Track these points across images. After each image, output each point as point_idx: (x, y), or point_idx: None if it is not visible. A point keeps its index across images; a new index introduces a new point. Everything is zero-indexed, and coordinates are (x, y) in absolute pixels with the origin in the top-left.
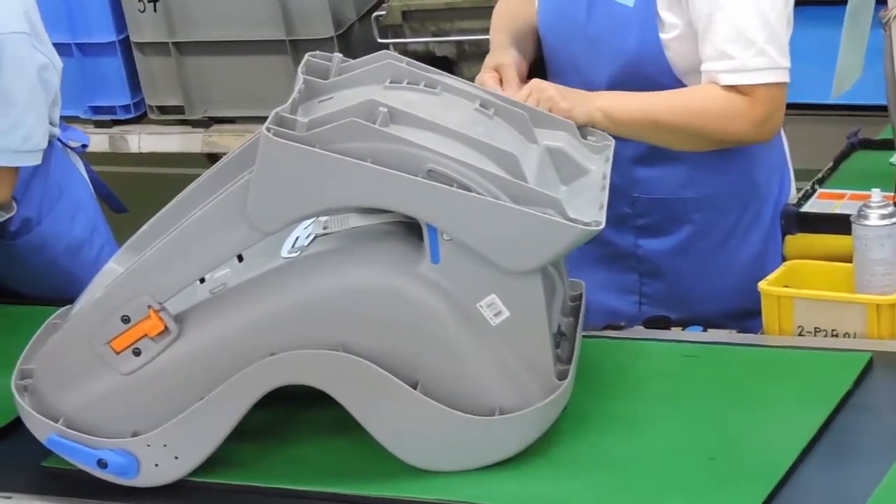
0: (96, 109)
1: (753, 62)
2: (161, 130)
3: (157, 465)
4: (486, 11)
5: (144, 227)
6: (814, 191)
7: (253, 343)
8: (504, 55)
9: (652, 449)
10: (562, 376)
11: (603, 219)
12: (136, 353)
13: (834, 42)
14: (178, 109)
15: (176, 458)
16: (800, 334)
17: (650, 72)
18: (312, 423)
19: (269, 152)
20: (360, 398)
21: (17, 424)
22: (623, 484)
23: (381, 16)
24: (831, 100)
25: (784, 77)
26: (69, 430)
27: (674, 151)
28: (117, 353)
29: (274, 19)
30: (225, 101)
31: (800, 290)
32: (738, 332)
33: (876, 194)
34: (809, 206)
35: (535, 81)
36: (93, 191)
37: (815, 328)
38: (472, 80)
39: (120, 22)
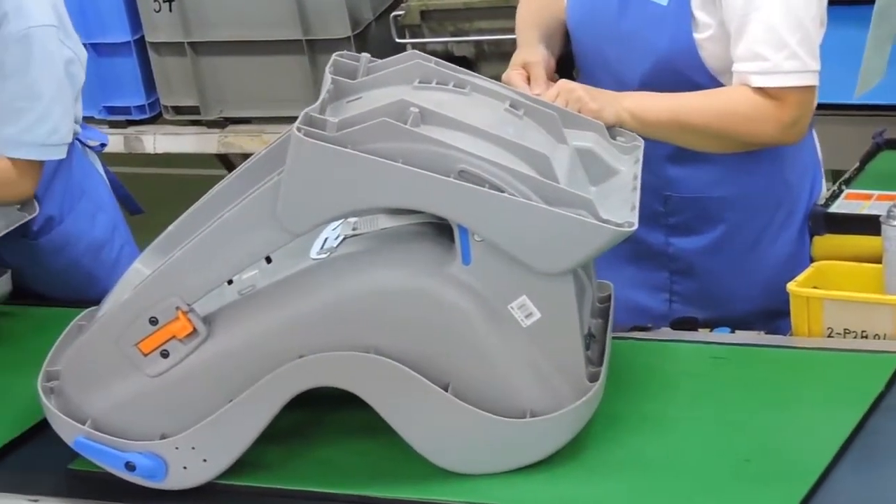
0: (111, 110)
1: (786, 65)
2: (176, 131)
3: (185, 467)
4: (505, 11)
5: (170, 228)
6: (841, 191)
7: (282, 345)
8: (532, 52)
9: (684, 451)
10: (593, 378)
11: (635, 220)
12: (165, 354)
13: (861, 42)
14: (194, 110)
15: (204, 460)
16: (829, 336)
17: (685, 70)
18: (340, 426)
19: (300, 153)
20: (391, 400)
21: (43, 427)
22: (656, 486)
23: (399, 15)
24: (855, 99)
25: (814, 80)
26: (97, 433)
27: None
28: (145, 354)
29: (290, 19)
30: (240, 102)
31: (829, 292)
32: (767, 332)
33: None
34: (837, 207)
35: (564, 82)
36: (111, 191)
37: (845, 330)
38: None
39: (135, 22)
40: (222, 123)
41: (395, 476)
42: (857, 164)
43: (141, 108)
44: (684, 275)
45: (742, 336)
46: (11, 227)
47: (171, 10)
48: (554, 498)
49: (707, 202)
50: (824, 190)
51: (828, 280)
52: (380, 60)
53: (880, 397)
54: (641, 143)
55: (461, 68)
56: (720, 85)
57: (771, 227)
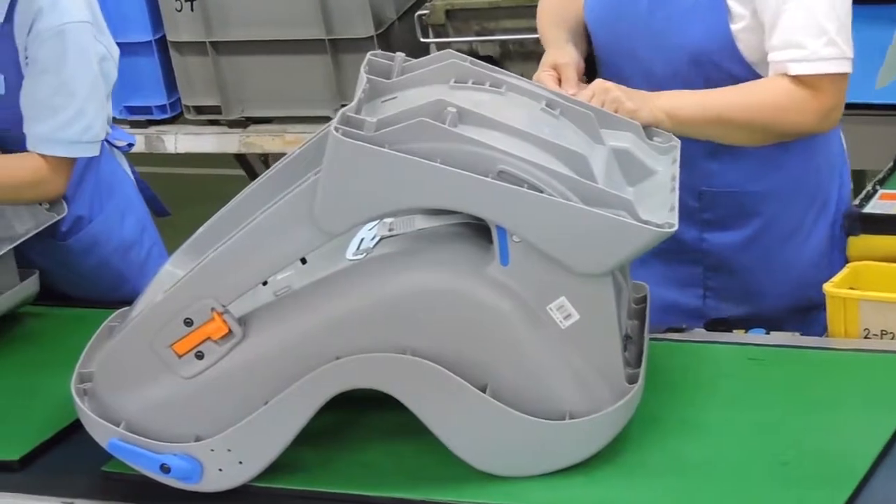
0: (132, 109)
1: (824, 52)
2: (197, 131)
3: (220, 469)
4: (530, 11)
5: (201, 229)
6: (875, 191)
7: (318, 346)
8: (562, 54)
9: (723, 453)
10: (632, 380)
11: (675, 221)
12: (199, 356)
13: (886, 42)
14: (215, 109)
15: (240, 462)
16: (866, 337)
17: (722, 62)
18: (375, 427)
19: (338, 152)
20: (429, 402)
21: (75, 428)
22: (696, 489)
23: (424, 15)
24: (880, 100)
25: (849, 68)
26: (131, 435)
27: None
28: (180, 356)
29: (313, 18)
30: (262, 102)
31: (865, 293)
32: (802, 328)
33: None
34: (872, 207)
35: (599, 82)
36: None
37: (882, 331)
38: None
39: (156, 21)
40: (244, 123)
41: (431, 478)
42: (891, 164)
43: (162, 108)
44: (718, 270)
45: (778, 337)
46: (41, 228)
47: (192, 10)
48: (593, 501)
49: (742, 196)
50: (850, 184)
51: (864, 281)
52: (414, 60)
53: None
54: (678, 143)
55: (497, 68)
56: (758, 76)
57: (804, 222)
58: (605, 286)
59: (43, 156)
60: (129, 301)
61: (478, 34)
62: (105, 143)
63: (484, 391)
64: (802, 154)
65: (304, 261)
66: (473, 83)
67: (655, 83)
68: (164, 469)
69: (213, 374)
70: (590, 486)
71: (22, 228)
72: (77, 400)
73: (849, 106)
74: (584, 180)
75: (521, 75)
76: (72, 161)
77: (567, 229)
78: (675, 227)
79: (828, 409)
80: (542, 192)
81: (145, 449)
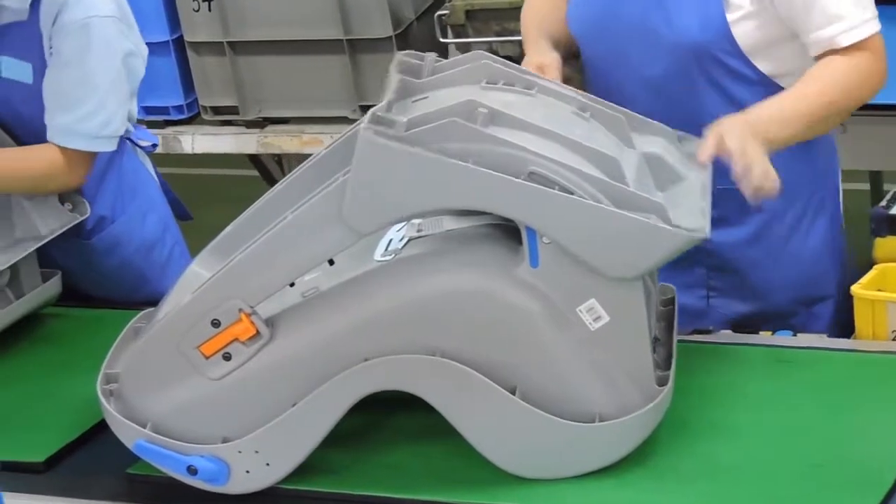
0: (149, 110)
1: (862, 16)
2: (215, 131)
3: (248, 471)
4: None
5: (228, 229)
6: None
7: (347, 348)
8: (544, 54)
9: (754, 456)
10: (661, 382)
11: (708, 226)
12: (227, 357)
13: None
14: (232, 110)
15: (267, 464)
16: (894, 339)
17: (719, 54)
18: (403, 429)
19: (369, 152)
20: (458, 404)
21: (101, 429)
22: (728, 492)
23: (444, 15)
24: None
25: (879, 25)
26: (158, 436)
27: None
28: (207, 357)
29: (331, 18)
30: (279, 102)
31: (893, 294)
32: (809, 321)
33: None
34: None
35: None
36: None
37: None
38: None
39: (174, 21)
40: (261, 123)
41: (460, 481)
42: None
43: (179, 108)
44: (721, 269)
45: (805, 339)
46: (65, 228)
47: (209, 10)
48: (624, 503)
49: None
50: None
51: (891, 282)
52: (445, 60)
53: None
54: None
55: (527, 69)
56: (754, 69)
57: (805, 214)
58: (636, 289)
59: (61, 147)
60: (151, 302)
61: (498, 34)
62: (128, 142)
63: (513, 393)
64: (798, 148)
65: (331, 262)
66: (504, 84)
67: (648, 87)
68: (191, 471)
69: (240, 376)
70: (620, 489)
71: (46, 230)
72: (103, 401)
73: (869, 107)
74: (615, 183)
75: None
76: (89, 155)
77: (597, 232)
78: (708, 233)
79: (858, 411)
80: (572, 194)
81: (172, 450)
